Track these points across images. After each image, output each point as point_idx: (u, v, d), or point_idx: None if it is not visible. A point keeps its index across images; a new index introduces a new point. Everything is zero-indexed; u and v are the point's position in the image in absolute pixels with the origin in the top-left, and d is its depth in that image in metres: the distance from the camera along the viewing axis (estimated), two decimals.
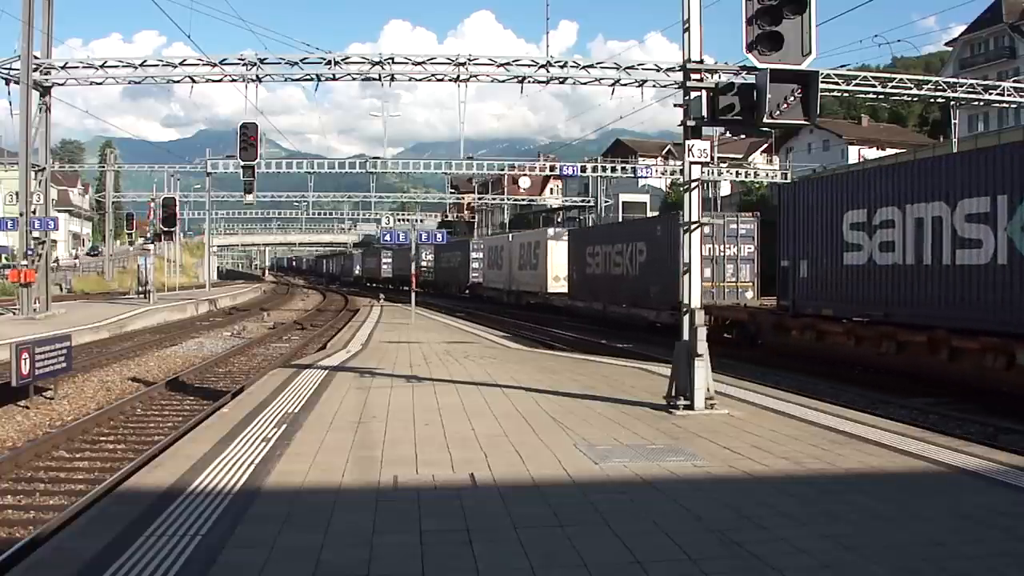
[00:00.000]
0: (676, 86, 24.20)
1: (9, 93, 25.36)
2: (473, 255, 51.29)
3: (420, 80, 26.81)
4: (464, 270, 52.84)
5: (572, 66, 26.91)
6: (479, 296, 50.58)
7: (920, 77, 34.50)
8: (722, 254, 23.83)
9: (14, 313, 26.51)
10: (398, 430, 8.41)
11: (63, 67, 26.22)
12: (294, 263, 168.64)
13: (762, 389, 11.88)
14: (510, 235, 47.10)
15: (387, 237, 30.45)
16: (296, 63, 26.00)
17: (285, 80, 27.49)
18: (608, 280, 29.27)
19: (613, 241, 29.43)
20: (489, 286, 48.73)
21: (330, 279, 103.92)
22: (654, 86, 26.80)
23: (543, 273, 37.65)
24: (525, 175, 72.51)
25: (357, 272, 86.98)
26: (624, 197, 64.07)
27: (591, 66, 26.86)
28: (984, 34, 60.47)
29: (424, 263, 61.31)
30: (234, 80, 26.18)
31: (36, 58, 25.27)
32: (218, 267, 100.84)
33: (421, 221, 71.95)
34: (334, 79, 26.36)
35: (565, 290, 35.07)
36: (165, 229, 44.78)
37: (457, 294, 56.09)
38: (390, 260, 70.81)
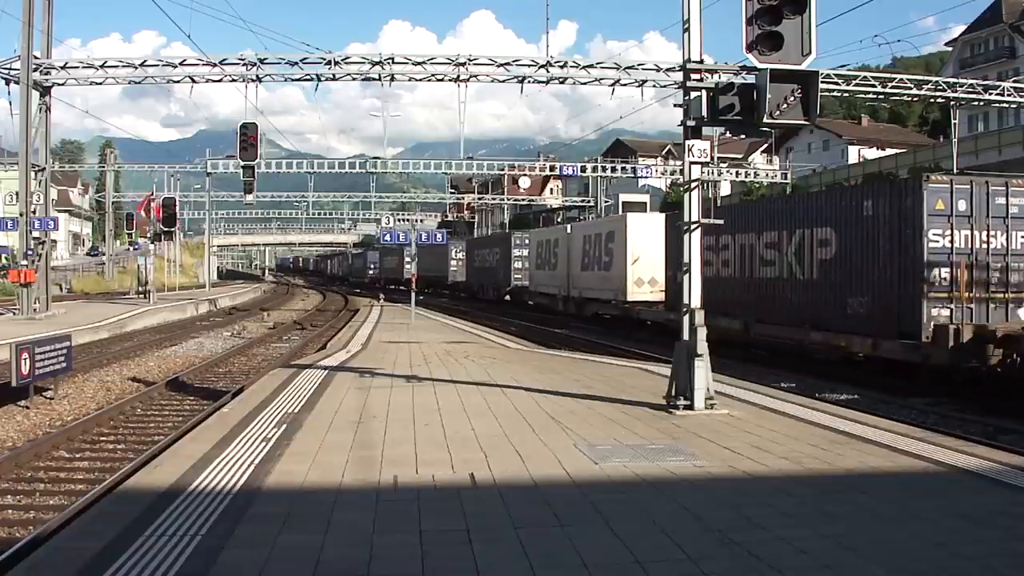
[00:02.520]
0: (676, 86, 24.20)
1: (9, 93, 25.42)
2: (516, 252, 42.42)
3: (420, 80, 26.85)
4: (504, 270, 43.95)
5: (572, 66, 26.94)
6: (523, 303, 41.33)
7: (920, 77, 34.51)
8: (985, 245, 14.53)
9: (14, 313, 26.51)
10: (398, 430, 8.42)
11: (63, 67, 26.23)
12: (300, 263, 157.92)
13: (762, 389, 11.88)
14: (568, 226, 37.32)
15: (387, 237, 30.46)
16: (296, 63, 26.03)
17: (285, 80, 27.63)
18: (751, 286, 19.65)
19: (761, 228, 19.38)
20: (538, 291, 38.79)
21: (338, 280, 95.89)
22: (654, 86, 26.83)
23: (620, 274, 27.53)
24: (525, 175, 72.47)
25: (372, 272, 76.05)
26: (624, 197, 64.04)
27: (591, 66, 26.89)
28: (984, 34, 60.46)
29: (453, 262, 54.21)
30: (234, 80, 26.22)
31: (36, 58, 25.27)
32: (218, 267, 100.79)
33: (421, 221, 71.60)
34: (334, 79, 26.38)
35: (657, 298, 25.80)
36: (165, 229, 44.76)
37: (495, 299, 46.08)
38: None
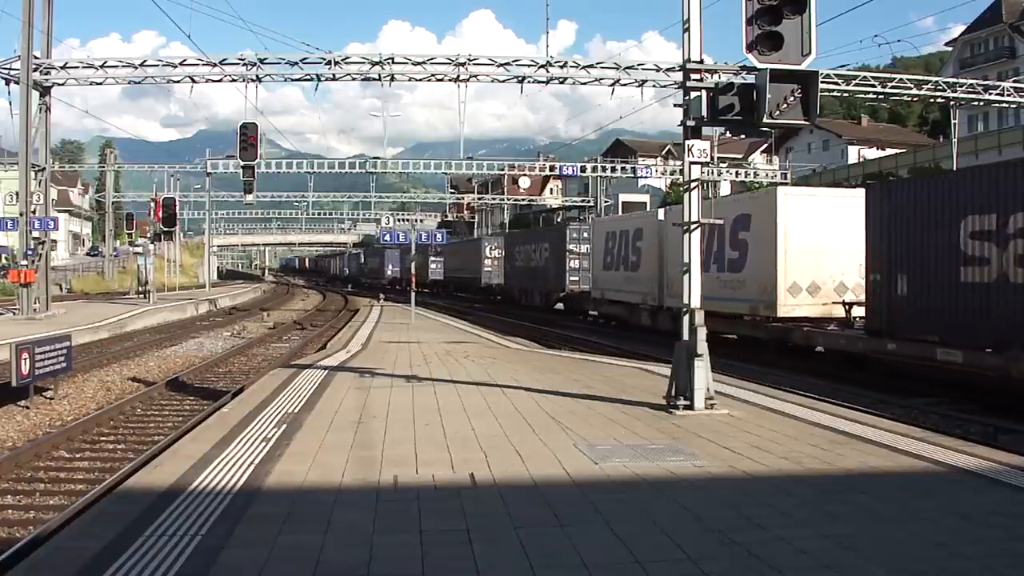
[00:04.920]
0: (676, 86, 24.17)
1: (9, 93, 25.43)
2: (572, 248, 34.30)
3: (420, 80, 26.84)
4: (555, 271, 35.88)
5: (572, 66, 26.93)
6: (582, 312, 33.52)
7: (920, 77, 34.53)
8: None
9: (14, 313, 26.51)
10: (398, 430, 8.42)
11: (63, 67, 26.23)
12: (306, 263, 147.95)
13: (762, 389, 11.88)
14: (659, 211, 27.72)
15: (387, 237, 30.44)
16: (296, 63, 26.02)
17: (285, 80, 27.62)
18: None
19: None
20: (608, 298, 29.52)
21: (349, 282, 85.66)
22: (654, 86, 26.81)
23: (764, 277, 18.72)
24: (525, 175, 72.56)
25: (391, 273, 66.93)
26: (624, 197, 64.14)
27: (591, 66, 26.87)
28: (984, 34, 60.50)
29: (487, 262, 47.22)
30: (234, 80, 26.21)
31: (36, 58, 25.27)
32: (218, 267, 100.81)
33: (421, 221, 71.51)
34: (334, 79, 26.38)
35: (821, 312, 17.94)
36: (165, 229, 44.77)
37: (542, 307, 38.01)
38: (440, 259, 56.51)
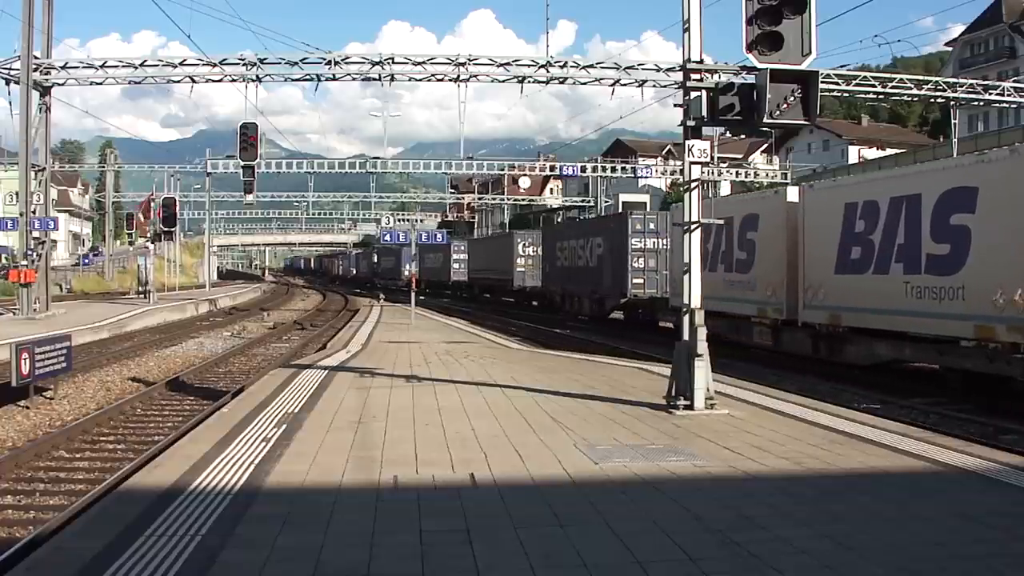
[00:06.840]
0: (676, 86, 24.16)
1: (9, 93, 25.43)
2: (636, 243, 26.79)
3: (420, 80, 26.87)
4: (612, 271, 28.12)
5: (572, 66, 26.94)
6: (647, 321, 27.72)
7: (920, 77, 34.51)
8: None
9: (14, 313, 26.51)
10: (398, 430, 8.42)
11: (63, 67, 26.24)
12: (312, 264, 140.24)
13: (762, 389, 11.87)
14: (789, 190, 18.80)
15: (387, 237, 30.44)
16: (296, 63, 26.04)
17: (285, 80, 27.66)
18: None
19: None
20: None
21: (359, 283, 77.70)
22: (654, 86, 26.82)
23: (1005, 281, 12.09)
24: (525, 175, 72.57)
25: (409, 274, 59.93)
26: (624, 197, 64.00)
27: (591, 66, 26.88)
28: (984, 34, 60.46)
29: (520, 260, 41.01)
30: (234, 80, 26.23)
31: (36, 58, 25.28)
32: (218, 267, 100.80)
33: (421, 221, 71.49)
34: (334, 79, 26.40)
35: None
36: (165, 229, 44.74)
37: (593, 315, 30.74)
38: (465, 257, 50.30)
